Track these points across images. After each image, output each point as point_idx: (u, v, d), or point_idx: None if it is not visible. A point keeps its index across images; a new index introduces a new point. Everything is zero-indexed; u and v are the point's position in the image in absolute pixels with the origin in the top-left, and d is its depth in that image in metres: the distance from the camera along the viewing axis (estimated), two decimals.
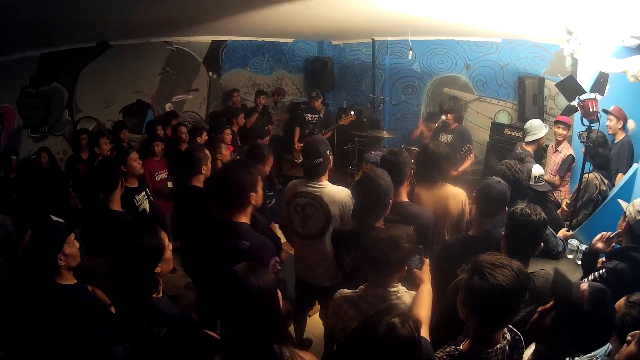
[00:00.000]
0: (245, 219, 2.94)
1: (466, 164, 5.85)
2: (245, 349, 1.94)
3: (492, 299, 1.82)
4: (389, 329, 1.70)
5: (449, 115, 6.15)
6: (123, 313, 2.43)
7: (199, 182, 4.09)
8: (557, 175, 5.60)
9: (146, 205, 4.39)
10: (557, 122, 5.75)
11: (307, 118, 7.94)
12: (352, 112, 7.65)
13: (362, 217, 3.08)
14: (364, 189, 3.04)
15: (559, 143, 5.71)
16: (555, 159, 5.71)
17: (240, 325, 1.96)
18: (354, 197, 3.29)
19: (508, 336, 2.02)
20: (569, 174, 5.70)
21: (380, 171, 3.15)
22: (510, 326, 2.07)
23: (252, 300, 1.93)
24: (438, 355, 2.04)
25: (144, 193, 4.45)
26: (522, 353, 2.07)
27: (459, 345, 2.02)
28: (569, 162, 5.56)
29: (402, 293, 2.50)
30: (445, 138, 6.12)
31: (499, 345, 1.95)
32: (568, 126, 5.69)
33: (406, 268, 2.55)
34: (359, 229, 3.09)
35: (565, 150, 5.66)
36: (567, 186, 5.74)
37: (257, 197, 2.95)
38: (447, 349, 2.03)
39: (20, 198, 5.77)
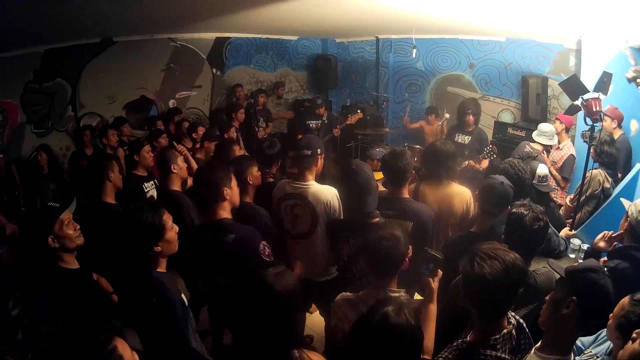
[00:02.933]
0: (226, 214, 3.02)
1: (486, 162, 5.75)
2: (262, 353, 1.96)
3: (477, 287, 1.91)
4: (382, 318, 1.74)
5: (470, 117, 6.06)
6: (122, 285, 2.53)
7: (174, 185, 4.08)
8: (560, 177, 5.62)
9: (154, 192, 4.51)
10: (557, 119, 5.81)
11: (310, 125, 7.73)
12: (359, 111, 7.55)
13: (357, 209, 3.08)
14: (354, 184, 3.05)
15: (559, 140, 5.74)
16: (556, 156, 5.72)
17: (260, 331, 1.98)
18: (342, 191, 3.30)
19: (513, 320, 2.05)
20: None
21: (358, 162, 3.21)
22: (516, 316, 2.10)
23: (278, 306, 1.97)
24: (444, 355, 2.05)
25: (152, 182, 4.59)
26: (528, 338, 2.09)
27: (466, 338, 2.05)
28: (570, 162, 5.57)
29: (404, 299, 2.45)
30: (463, 139, 6.07)
31: (505, 331, 1.99)
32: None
33: (407, 264, 2.51)
34: (355, 218, 3.10)
35: (567, 149, 5.67)
36: (566, 189, 5.75)
37: (231, 192, 3.03)
38: (455, 344, 2.05)
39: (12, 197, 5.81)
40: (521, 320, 2.10)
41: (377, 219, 2.98)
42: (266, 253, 2.94)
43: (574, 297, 1.90)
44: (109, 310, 2.64)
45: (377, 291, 2.47)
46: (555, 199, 5.47)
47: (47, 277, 2.64)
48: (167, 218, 2.49)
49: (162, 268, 2.50)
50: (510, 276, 1.87)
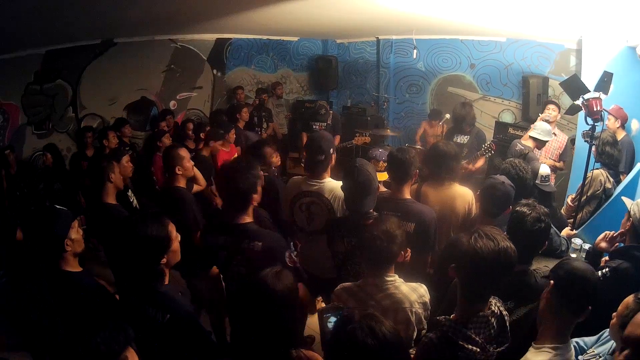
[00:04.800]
0: (249, 218, 2.97)
1: (480, 162, 5.76)
2: (262, 353, 1.96)
3: (465, 259, 1.99)
4: (349, 335, 1.70)
5: (465, 126, 6.05)
6: (129, 299, 2.42)
7: (178, 182, 4.07)
8: (562, 161, 5.80)
9: (135, 201, 4.49)
10: (548, 103, 5.90)
11: (314, 127, 7.57)
12: (367, 134, 7.50)
13: (356, 206, 3.09)
14: (353, 179, 3.05)
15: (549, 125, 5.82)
16: (553, 144, 5.75)
17: (260, 331, 1.98)
18: (344, 189, 3.27)
19: (494, 308, 2.06)
20: None
21: (363, 161, 3.20)
22: (501, 308, 2.11)
23: (278, 306, 1.97)
24: (432, 331, 2.10)
25: (130, 191, 4.56)
26: (507, 333, 2.08)
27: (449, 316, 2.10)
28: (569, 146, 5.81)
29: (398, 283, 2.53)
30: (462, 139, 6.07)
31: (481, 313, 2.01)
32: (559, 107, 5.89)
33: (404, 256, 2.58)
34: (353, 216, 3.11)
35: (561, 135, 5.86)
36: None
37: (258, 197, 3.00)
38: (437, 317, 2.09)
39: (23, 194, 5.82)
40: (505, 313, 2.10)
41: (372, 221, 2.97)
42: (291, 260, 2.90)
43: (551, 281, 2.03)
44: (113, 312, 2.62)
45: (373, 278, 2.54)
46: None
47: (50, 280, 2.62)
48: (172, 227, 2.40)
49: (167, 280, 2.43)
50: (499, 260, 1.92)
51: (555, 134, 5.79)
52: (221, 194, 4.23)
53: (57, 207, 2.78)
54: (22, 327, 2.49)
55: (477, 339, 1.95)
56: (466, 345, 1.93)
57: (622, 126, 4.90)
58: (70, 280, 2.65)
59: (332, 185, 3.44)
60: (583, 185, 4.28)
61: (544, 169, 4.04)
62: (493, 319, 2.03)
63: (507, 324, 2.09)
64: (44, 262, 2.63)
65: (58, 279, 2.64)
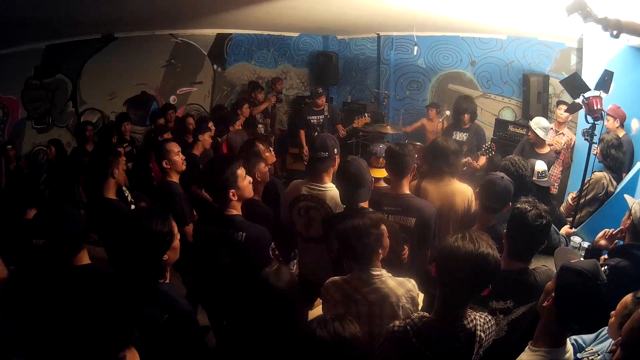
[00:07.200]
0: (236, 211, 3.00)
1: (483, 160, 5.68)
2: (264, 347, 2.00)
3: (443, 259, 1.96)
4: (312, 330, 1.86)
5: (465, 115, 6.04)
6: (128, 296, 2.40)
7: (170, 177, 4.13)
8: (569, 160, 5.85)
9: (130, 195, 4.44)
10: (560, 103, 5.95)
11: (312, 121, 7.45)
12: (366, 114, 7.45)
13: (349, 200, 3.12)
14: (347, 174, 3.07)
15: (559, 125, 5.91)
16: (562, 142, 5.78)
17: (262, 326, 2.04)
18: (337, 183, 3.28)
19: (470, 324, 2.01)
20: None
21: (356, 157, 3.26)
22: (480, 329, 2.05)
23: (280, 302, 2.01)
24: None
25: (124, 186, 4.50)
26: (472, 355, 2.04)
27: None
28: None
29: (385, 277, 2.51)
30: (460, 136, 6.08)
31: (453, 323, 1.98)
32: None
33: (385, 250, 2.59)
34: (347, 211, 3.12)
35: (569, 132, 5.89)
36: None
37: (240, 192, 2.99)
38: (421, 314, 2.10)
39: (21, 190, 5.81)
40: (480, 334, 2.03)
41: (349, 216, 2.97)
42: (275, 253, 2.95)
43: (553, 294, 1.93)
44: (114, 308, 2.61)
45: (359, 272, 2.54)
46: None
47: (60, 274, 2.61)
48: (174, 224, 2.41)
49: (167, 278, 2.43)
50: (474, 265, 1.87)
51: (563, 134, 5.82)
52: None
53: (69, 205, 2.78)
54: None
55: (433, 345, 1.95)
56: (418, 346, 1.94)
57: (622, 125, 4.90)
58: (82, 274, 2.63)
59: (335, 192, 3.36)
60: (582, 187, 4.27)
61: (540, 165, 4.07)
62: (462, 334, 1.98)
63: (477, 347, 2.03)
64: (57, 259, 2.61)
65: (71, 274, 2.62)
